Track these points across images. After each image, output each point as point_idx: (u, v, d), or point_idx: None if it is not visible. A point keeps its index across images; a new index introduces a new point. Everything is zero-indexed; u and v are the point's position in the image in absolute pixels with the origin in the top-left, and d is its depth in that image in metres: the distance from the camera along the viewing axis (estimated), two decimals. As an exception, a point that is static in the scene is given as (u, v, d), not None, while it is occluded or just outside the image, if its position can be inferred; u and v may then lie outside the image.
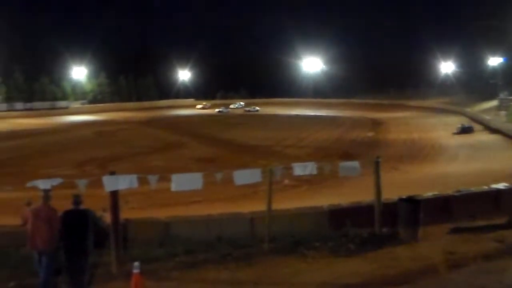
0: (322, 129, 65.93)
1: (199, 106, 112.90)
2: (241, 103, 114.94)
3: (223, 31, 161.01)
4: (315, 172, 12.43)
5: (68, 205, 9.84)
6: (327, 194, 24.58)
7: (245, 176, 11.73)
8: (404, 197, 13.12)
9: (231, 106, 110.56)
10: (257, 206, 13.34)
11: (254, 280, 10.26)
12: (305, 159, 20.29)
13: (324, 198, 18.64)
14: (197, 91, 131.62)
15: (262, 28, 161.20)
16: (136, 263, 9.54)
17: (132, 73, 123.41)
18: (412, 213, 12.51)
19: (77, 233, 9.52)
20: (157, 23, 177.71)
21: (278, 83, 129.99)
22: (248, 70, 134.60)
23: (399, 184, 23.85)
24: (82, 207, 9.70)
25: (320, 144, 49.87)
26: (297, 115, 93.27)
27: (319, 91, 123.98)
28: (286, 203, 15.43)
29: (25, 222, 9.56)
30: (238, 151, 44.98)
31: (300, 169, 12.30)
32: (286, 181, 26.03)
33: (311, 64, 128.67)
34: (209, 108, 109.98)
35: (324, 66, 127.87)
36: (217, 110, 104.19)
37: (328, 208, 13.34)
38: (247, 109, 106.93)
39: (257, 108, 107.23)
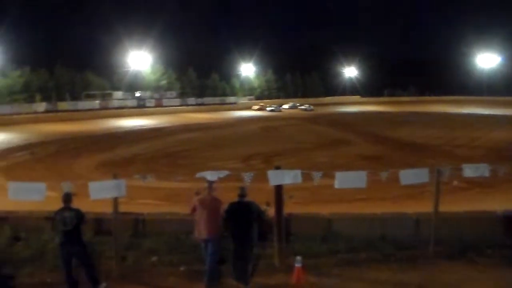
0: (497, 129, 61.74)
1: (255, 107, 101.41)
2: (296, 103, 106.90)
3: (391, 27, 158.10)
4: (487, 174, 11.64)
5: (233, 197, 10.18)
6: (501, 199, 22.95)
7: (411, 176, 11.32)
8: None
9: (284, 106, 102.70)
10: (423, 207, 12.83)
11: (418, 283, 9.90)
12: (477, 160, 19.12)
13: (497, 203, 17.45)
14: (363, 88, 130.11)
15: (433, 24, 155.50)
16: (298, 257, 9.65)
17: (299, 70, 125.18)
18: None
19: (242, 225, 9.81)
20: (325, 20, 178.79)
21: (449, 80, 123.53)
22: (418, 67, 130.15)
23: None
24: (247, 199, 9.99)
25: (495, 145, 46.57)
26: (469, 113, 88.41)
27: (494, 88, 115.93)
28: (454, 205, 14.67)
29: (192, 211, 10.07)
30: (404, 150, 43.64)
31: (471, 170, 11.58)
32: (455, 183, 24.68)
33: (486, 60, 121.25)
34: (265, 109, 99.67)
35: (501, 62, 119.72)
36: (268, 109, 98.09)
37: (503, 213, 12.44)
38: (302, 107, 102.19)
39: (312, 107, 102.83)
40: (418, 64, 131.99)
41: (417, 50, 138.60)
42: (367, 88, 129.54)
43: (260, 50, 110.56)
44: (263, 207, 10.42)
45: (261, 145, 47.81)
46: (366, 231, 11.80)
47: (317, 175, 10.81)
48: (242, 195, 9.99)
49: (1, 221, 11.89)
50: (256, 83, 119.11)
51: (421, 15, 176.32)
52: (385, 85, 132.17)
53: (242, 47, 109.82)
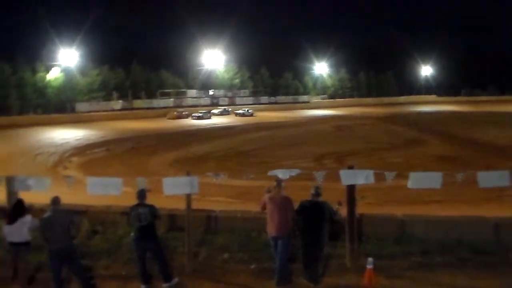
0: None
1: (171, 115, 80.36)
2: (228, 108, 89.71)
3: (468, 22, 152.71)
4: None
5: (304, 196, 10.12)
6: None
7: (491, 178, 10.85)
8: None
9: (213, 111, 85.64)
10: (503, 211, 12.36)
11: (496, 290, 9.53)
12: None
13: None
14: (440, 87, 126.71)
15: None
16: (370, 259, 9.47)
17: (373, 69, 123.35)
18: None
19: (313, 224, 9.75)
20: (399, 18, 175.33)
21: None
22: (499, 64, 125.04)
23: None
24: (320, 199, 9.91)
25: None
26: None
27: None
28: (538, 210, 14.02)
29: (262, 208, 10.09)
30: (483, 151, 42.13)
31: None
32: (539, 187, 23.58)
33: None
34: (186, 116, 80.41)
35: None
36: (194, 115, 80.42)
37: None
38: (239, 112, 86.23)
39: (251, 111, 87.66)
40: (498, 62, 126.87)
41: (498, 47, 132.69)
42: (444, 87, 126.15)
43: (334, 48, 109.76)
44: (335, 206, 10.30)
45: (334, 144, 47.49)
46: (441, 234, 11.40)
47: (390, 175, 10.58)
48: (316, 194, 9.91)
49: (81, 214, 12.28)
50: (329, 82, 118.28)
51: (503, 10, 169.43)
52: (463, 84, 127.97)
53: (315, 45, 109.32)
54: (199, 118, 78.69)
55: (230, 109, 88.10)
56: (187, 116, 79.84)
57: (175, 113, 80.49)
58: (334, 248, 10.78)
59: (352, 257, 10.48)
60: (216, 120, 76.71)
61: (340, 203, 10.59)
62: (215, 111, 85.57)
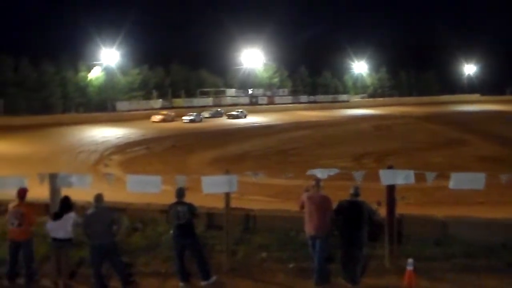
0: None
1: (156, 118, 72.33)
2: (220, 110, 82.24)
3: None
4: None
5: (343, 196, 10.04)
6: None
7: (536, 180, 10.58)
8: None
9: (203, 113, 77.32)
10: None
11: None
12: None
13: None
14: (484, 86, 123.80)
15: None
16: (410, 260, 9.34)
17: (414, 68, 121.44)
18: None
19: (351, 224, 9.67)
20: (441, 15, 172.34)
21: None
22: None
23: None
24: (359, 199, 9.81)
25: None
26: None
27: None
28: None
29: (301, 208, 10.04)
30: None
31: None
32: None
33: None
34: (172, 119, 72.84)
35: None
36: (186, 118, 72.75)
37: None
38: (233, 113, 79.38)
39: (245, 112, 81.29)
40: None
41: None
42: (488, 86, 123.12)
43: (374, 47, 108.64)
44: (374, 206, 10.19)
45: (373, 143, 47.10)
46: (484, 236, 11.07)
47: (430, 176, 10.40)
48: (355, 194, 9.82)
49: (121, 212, 12.43)
50: (368, 81, 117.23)
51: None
52: (508, 82, 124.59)
53: (355, 44, 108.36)
54: (190, 121, 72.27)
55: (222, 111, 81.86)
56: (172, 119, 72.84)
57: (160, 116, 73.09)
58: (373, 249, 10.64)
59: (391, 258, 10.35)
60: (256, 119, 76.63)
61: (379, 203, 10.48)
62: (205, 113, 78.10)
